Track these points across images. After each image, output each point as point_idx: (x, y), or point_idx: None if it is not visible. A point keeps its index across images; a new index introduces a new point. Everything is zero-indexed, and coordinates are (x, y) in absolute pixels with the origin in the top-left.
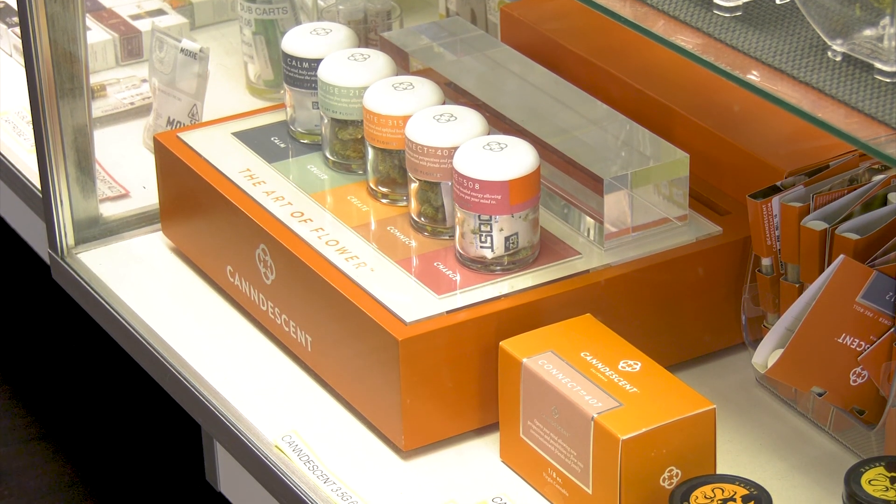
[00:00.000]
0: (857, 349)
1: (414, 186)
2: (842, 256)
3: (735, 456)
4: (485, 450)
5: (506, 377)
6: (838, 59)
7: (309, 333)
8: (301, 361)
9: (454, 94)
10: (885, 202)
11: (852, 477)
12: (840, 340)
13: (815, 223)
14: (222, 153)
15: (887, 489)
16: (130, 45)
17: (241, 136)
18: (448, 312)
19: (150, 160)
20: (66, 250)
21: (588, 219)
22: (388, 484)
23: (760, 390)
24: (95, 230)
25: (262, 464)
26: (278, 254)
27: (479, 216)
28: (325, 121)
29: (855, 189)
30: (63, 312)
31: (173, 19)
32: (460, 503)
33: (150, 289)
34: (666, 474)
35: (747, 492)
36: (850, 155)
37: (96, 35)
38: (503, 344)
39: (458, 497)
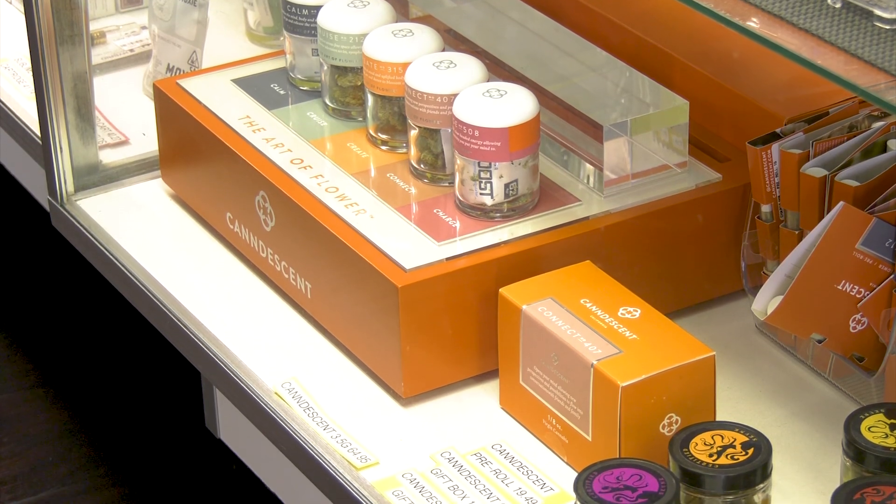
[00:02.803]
0: (857, 296)
1: (413, 133)
2: (841, 203)
3: (735, 403)
4: (484, 397)
5: (505, 324)
6: (838, 5)
7: (308, 280)
8: (301, 308)
9: (454, 41)
10: (884, 149)
11: (852, 424)
12: (839, 287)
13: (814, 170)
14: (222, 100)
15: (887, 436)
16: None
17: (241, 83)
18: (448, 259)
19: (149, 107)
20: (65, 197)
21: (588, 165)
22: (388, 431)
23: (760, 337)
24: (95, 177)
25: (262, 411)
26: (278, 200)
27: (478, 163)
28: (325, 68)
29: (854, 136)
30: (62, 259)
31: None
32: (460, 450)
33: (149, 236)
34: (665, 421)
35: (747, 438)
36: (850, 102)
37: None
38: (503, 291)
39: (457, 444)
